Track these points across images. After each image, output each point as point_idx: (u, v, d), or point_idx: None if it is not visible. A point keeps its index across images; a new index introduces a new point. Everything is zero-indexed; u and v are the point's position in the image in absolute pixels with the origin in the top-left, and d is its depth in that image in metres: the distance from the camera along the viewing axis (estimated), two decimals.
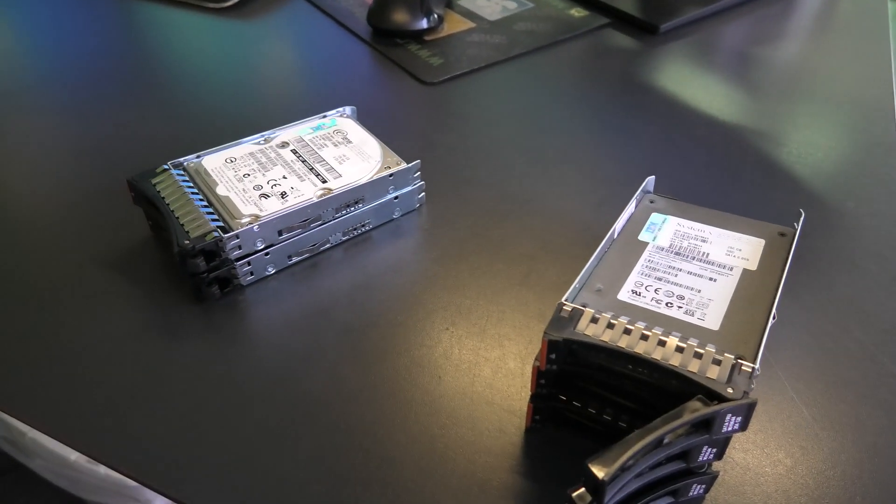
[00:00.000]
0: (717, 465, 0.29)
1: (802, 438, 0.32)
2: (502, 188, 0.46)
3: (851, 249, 0.42)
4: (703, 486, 0.29)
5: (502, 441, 0.32)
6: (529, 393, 0.32)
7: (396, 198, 0.42)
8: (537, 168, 0.48)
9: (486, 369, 0.35)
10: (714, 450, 0.27)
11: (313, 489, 0.29)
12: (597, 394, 0.30)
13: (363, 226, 0.42)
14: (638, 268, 0.33)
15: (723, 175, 0.47)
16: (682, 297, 0.31)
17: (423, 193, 0.44)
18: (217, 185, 0.39)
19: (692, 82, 0.58)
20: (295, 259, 0.40)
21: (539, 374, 0.30)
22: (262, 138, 0.43)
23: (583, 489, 0.25)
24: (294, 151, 0.42)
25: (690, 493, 0.29)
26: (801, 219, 0.35)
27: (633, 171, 0.48)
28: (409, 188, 0.42)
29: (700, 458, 0.27)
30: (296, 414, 0.32)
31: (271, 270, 0.39)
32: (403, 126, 0.52)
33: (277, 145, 0.42)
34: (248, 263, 0.38)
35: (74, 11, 0.68)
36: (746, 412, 0.26)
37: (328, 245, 0.41)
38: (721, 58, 0.61)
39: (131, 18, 0.67)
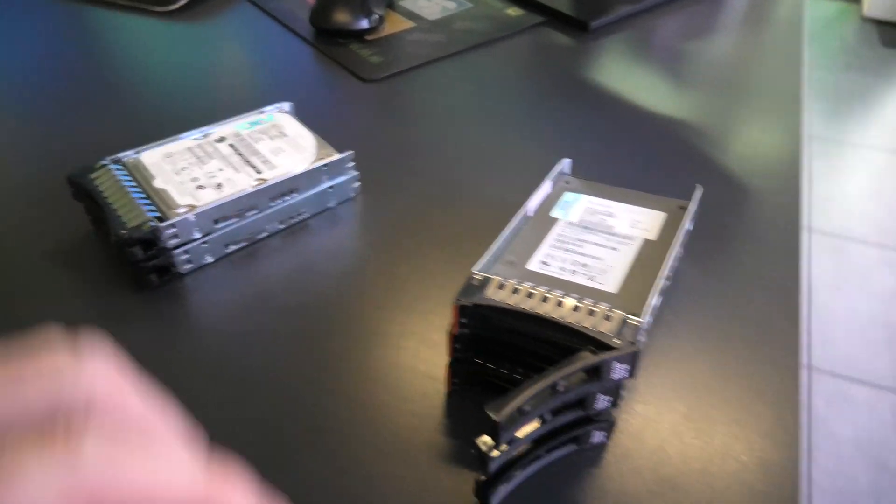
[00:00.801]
0: (619, 417, 0.32)
1: (698, 388, 0.35)
2: (435, 176, 0.49)
3: (754, 222, 0.45)
4: (604, 432, 0.32)
5: (425, 404, 0.34)
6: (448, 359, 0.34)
7: (331, 187, 0.44)
8: (470, 157, 0.51)
9: (411, 341, 0.37)
10: (609, 398, 0.30)
11: (252, 453, 0.31)
12: (508, 355, 0.33)
13: (299, 215, 0.44)
14: (548, 241, 0.36)
15: (641, 158, 0.51)
16: (585, 266, 0.34)
17: (358, 183, 0.46)
18: (154, 178, 0.41)
19: (619, 75, 0.61)
20: (233, 247, 0.42)
21: (454, 339, 0.33)
22: (201, 134, 0.45)
23: (485, 435, 0.27)
24: (231, 145, 0.44)
25: (592, 440, 0.32)
26: (698, 192, 0.38)
27: (560, 157, 0.51)
28: (344, 178, 0.45)
29: (597, 406, 0.30)
30: (236, 390, 0.34)
31: (210, 259, 0.41)
32: (343, 121, 0.54)
33: (215, 140, 0.44)
34: (186, 252, 0.39)
35: (23, 17, 0.69)
36: (632, 360, 0.29)
37: (265, 234, 0.43)
38: (647, 52, 0.65)
39: (79, 23, 0.69)
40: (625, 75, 0.61)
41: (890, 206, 1.93)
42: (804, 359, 1.55)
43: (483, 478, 0.29)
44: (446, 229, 0.44)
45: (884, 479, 1.34)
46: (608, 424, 0.32)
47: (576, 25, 0.67)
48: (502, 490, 0.30)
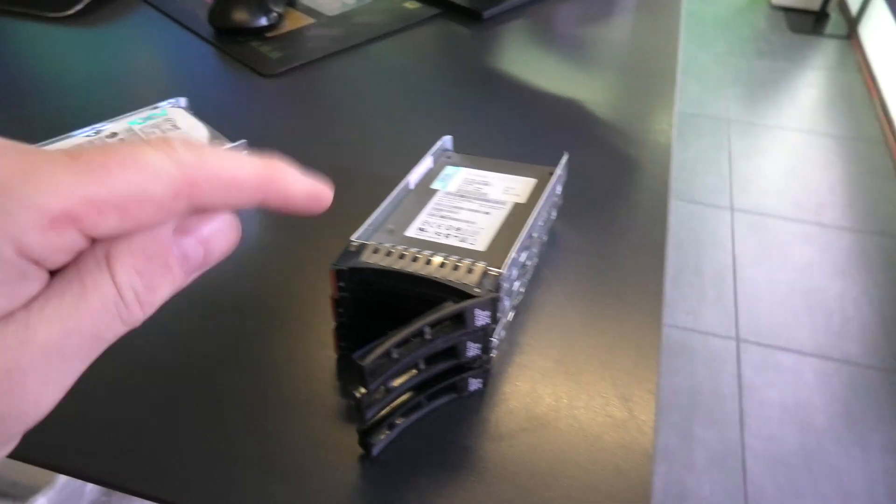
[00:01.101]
0: (496, 366, 0.35)
1: (570, 337, 0.38)
2: (331, 162, 0.51)
3: (628, 187, 0.49)
4: (480, 380, 0.35)
5: (316, 368, 0.36)
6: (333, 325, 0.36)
7: None
8: (364, 142, 0.53)
9: (302, 313, 0.39)
10: (478, 345, 0.33)
11: (147, 428, 0.33)
12: (388, 316, 0.35)
13: None
14: (427, 210, 0.39)
15: (524, 134, 0.54)
16: (459, 229, 0.37)
17: None
18: None
19: (508, 61, 0.64)
20: None
21: (336, 304, 0.35)
22: (93, 131, 0.45)
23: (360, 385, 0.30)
24: (122, 140, 0.45)
25: (470, 388, 0.35)
26: (564, 158, 0.42)
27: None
28: None
29: (468, 354, 0.33)
30: (130, 373, 0.36)
31: None
32: (241, 115, 0.56)
33: (107, 136, 0.45)
34: None
35: None
36: (492, 306, 0.31)
37: None
38: (537, 39, 0.69)
39: None
40: (514, 60, 0.64)
41: (804, 182, 2.05)
42: (733, 331, 1.63)
43: (362, 427, 0.31)
44: (342, 210, 0.46)
45: (811, 438, 1.42)
46: (483, 371, 0.34)
47: (469, 16, 0.70)
48: (385, 438, 0.32)
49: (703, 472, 1.36)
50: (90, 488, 1.01)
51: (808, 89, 2.46)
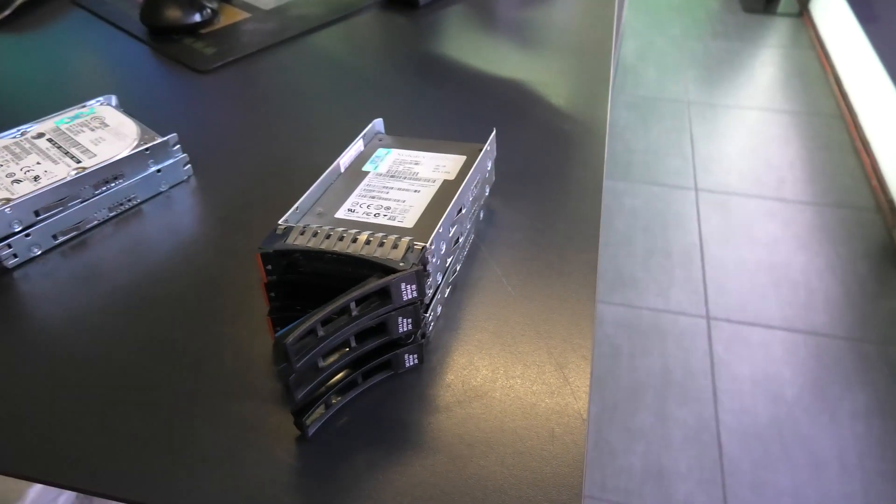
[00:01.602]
0: (433, 341, 0.35)
1: (505, 309, 0.38)
2: (267, 153, 0.50)
3: (566, 161, 0.49)
4: (415, 355, 0.35)
5: (252, 355, 0.36)
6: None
7: (159, 171, 0.45)
8: (300, 132, 0.53)
9: (240, 301, 0.39)
10: (408, 320, 0.33)
11: (85, 420, 0.32)
12: (322, 297, 0.35)
13: (129, 200, 0.45)
14: (357, 191, 0.39)
15: (458, 114, 0.54)
16: (388, 208, 0.37)
17: (189, 165, 0.47)
18: None
19: (444, 46, 0.64)
20: (62, 238, 0.42)
21: (267, 288, 0.35)
22: (18, 132, 0.45)
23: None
24: (50, 140, 0.44)
25: (406, 364, 0.35)
26: (492, 133, 0.42)
27: (386, 122, 0.54)
28: (171, 161, 0.46)
29: (400, 329, 0.33)
30: (66, 370, 0.35)
31: (37, 251, 0.41)
32: (176, 112, 0.55)
33: (33, 136, 0.44)
34: (9, 246, 0.40)
35: None
36: (417, 280, 0.32)
37: (96, 222, 0.43)
38: (473, 24, 0.69)
39: None
40: (451, 46, 0.64)
41: (764, 159, 2.08)
42: (703, 310, 1.65)
43: (294, 407, 0.31)
44: (278, 199, 0.46)
45: (782, 410, 1.45)
46: (417, 347, 0.34)
47: (406, 4, 0.70)
48: (320, 418, 0.32)
49: (680, 449, 1.38)
50: (63, 499, 0.99)
51: (764, 68, 2.50)
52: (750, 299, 1.68)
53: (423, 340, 0.35)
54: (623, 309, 1.66)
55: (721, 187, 2.00)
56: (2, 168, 0.41)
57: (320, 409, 0.32)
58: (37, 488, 0.93)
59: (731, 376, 1.52)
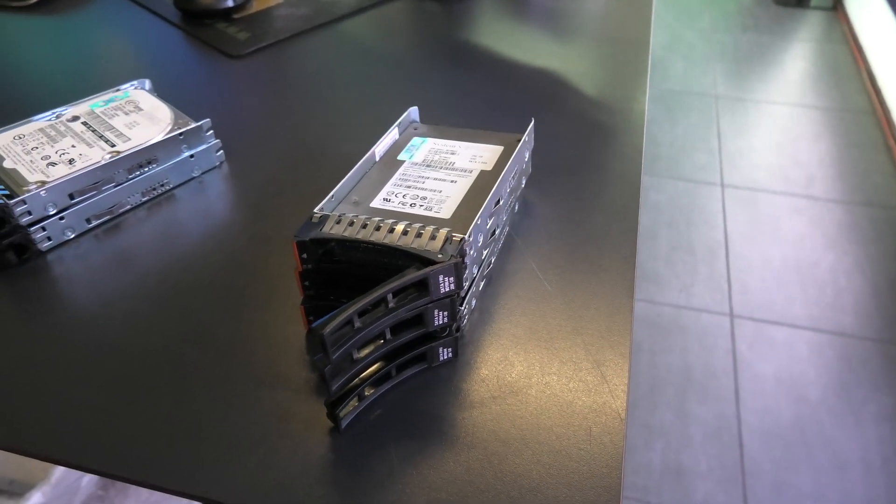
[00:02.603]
0: (467, 335, 0.34)
1: (541, 304, 0.37)
2: (300, 139, 0.50)
3: (603, 153, 0.48)
4: (450, 349, 0.34)
5: (286, 345, 0.35)
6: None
7: (192, 156, 0.45)
8: (332, 118, 0.52)
9: (272, 290, 0.38)
10: (445, 312, 0.32)
11: (116, 405, 0.32)
12: (357, 287, 0.34)
13: (162, 185, 0.44)
14: (392, 180, 0.38)
15: (494, 104, 0.53)
16: (424, 198, 0.36)
17: (222, 151, 0.47)
18: (4, 159, 0.40)
19: (480, 34, 0.63)
20: (95, 222, 0.42)
21: (301, 277, 0.34)
22: (53, 115, 0.45)
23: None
24: (84, 123, 0.44)
25: (441, 358, 0.34)
26: (531, 124, 0.41)
27: (419, 111, 0.53)
28: (204, 146, 0.45)
29: (436, 322, 0.32)
30: (98, 354, 0.35)
31: (70, 234, 0.41)
32: (208, 96, 0.55)
33: (68, 119, 0.44)
34: (44, 229, 0.40)
35: None
36: (456, 272, 0.31)
37: (129, 206, 0.43)
38: (509, 11, 0.68)
39: None
40: (485, 33, 0.63)
41: (793, 155, 2.04)
42: (726, 307, 1.63)
43: (329, 398, 0.30)
44: (310, 186, 0.46)
45: (805, 410, 1.42)
46: (452, 340, 0.34)
47: None
48: (353, 410, 0.32)
49: (700, 448, 1.37)
50: (86, 482, 1.01)
51: (795, 62, 2.45)
52: (775, 298, 1.66)
53: (457, 334, 0.34)
54: (645, 305, 1.64)
55: (748, 183, 1.96)
56: (37, 150, 0.41)
57: (353, 401, 0.32)
58: (61, 469, 0.95)
59: (753, 375, 1.50)
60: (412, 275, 0.30)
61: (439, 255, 0.31)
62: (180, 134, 0.44)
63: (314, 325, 0.28)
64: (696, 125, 2.17)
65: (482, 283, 0.38)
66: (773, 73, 2.40)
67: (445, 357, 0.34)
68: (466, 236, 0.32)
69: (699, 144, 2.10)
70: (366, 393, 0.32)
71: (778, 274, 1.71)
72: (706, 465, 1.34)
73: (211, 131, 0.46)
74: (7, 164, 0.40)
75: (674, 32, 2.68)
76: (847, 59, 2.45)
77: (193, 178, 0.46)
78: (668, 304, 1.64)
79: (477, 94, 0.55)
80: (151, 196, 0.44)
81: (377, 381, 0.33)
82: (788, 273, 1.71)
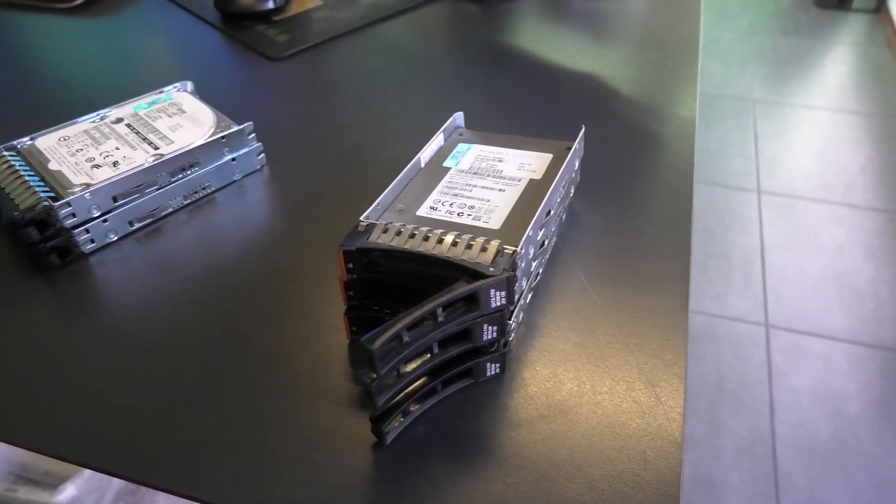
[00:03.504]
0: (514, 350, 0.33)
1: (591, 318, 0.36)
2: (340, 144, 0.49)
3: (651, 162, 0.46)
4: (497, 364, 0.33)
5: (328, 354, 0.35)
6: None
7: (234, 160, 0.45)
8: (373, 123, 0.51)
9: (314, 298, 0.38)
10: (494, 327, 0.31)
11: (158, 412, 0.32)
12: (402, 298, 0.34)
13: (203, 189, 0.44)
14: (438, 188, 0.37)
15: (539, 110, 0.52)
16: (472, 207, 0.35)
17: (263, 154, 0.47)
18: (49, 161, 0.40)
19: (521, 37, 0.62)
20: (137, 225, 0.42)
21: (346, 287, 0.33)
22: (98, 116, 0.44)
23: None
24: (128, 125, 0.44)
25: (488, 373, 0.33)
26: (581, 131, 0.40)
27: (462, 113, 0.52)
28: (246, 149, 0.45)
29: (484, 337, 0.31)
30: (140, 358, 0.35)
31: (113, 237, 0.41)
32: (249, 99, 0.54)
33: (112, 121, 0.44)
34: (87, 231, 0.39)
35: None
36: (507, 286, 0.30)
37: (171, 209, 0.43)
38: (549, 14, 0.66)
39: None
40: (525, 36, 0.62)
41: (833, 162, 1.99)
42: (761, 317, 1.59)
43: (374, 413, 0.29)
44: (350, 191, 0.45)
45: (843, 426, 1.38)
46: (500, 356, 0.33)
47: None
48: (398, 426, 0.31)
49: (732, 460, 1.33)
50: (117, 481, 1.02)
51: (836, 66, 2.38)
52: (812, 308, 1.61)
53: (505, 349, 0.33)
54: None
55: (786, 190, 1.92)
56: (81, 152, 0.41)
57: (399, 417, 0.31)
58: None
59: (789, 388, 1.46)
60: (463, 288, 0.29)
61: (491, 269, 0.30)
62: (223, 137, 0.43)
63: (363, 339, 0.27)
64: (733, 129, 2.13)
65: (529, 296, 0.36)
66: (812, 76, 2.34)
67: (493, 372, 0.33)
68: (518, 249, 0.31)
69: (735, 149, 2.05)
70: (411, 408, 0.31)
71: (815, 284, 1.66)
72: (738, 478, 1.30)
73: (253, 134, 0.45)
74: (52, 165, 0.40)
75: (711, 35, 2.63)
76: (890, 62, 2.38)
77: (234, 181, 0.45)
78: (701, 313, 1.60)
79: (519, 99, 0.54)
80: (193, 199, 0.44)
81: (422, 396, 0.32)
82: (826, 283, 1.66)
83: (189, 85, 0.49)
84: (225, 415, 0.32)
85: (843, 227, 1.80)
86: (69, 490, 0.89)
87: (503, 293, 0.30)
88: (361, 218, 0.33)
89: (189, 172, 0.42)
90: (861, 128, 2.11)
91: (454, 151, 0.40)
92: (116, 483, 1.01)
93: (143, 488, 1.06)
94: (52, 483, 0.90)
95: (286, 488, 0.29)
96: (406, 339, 0.28)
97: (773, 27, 2.64)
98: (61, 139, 0.42)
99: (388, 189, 0.36)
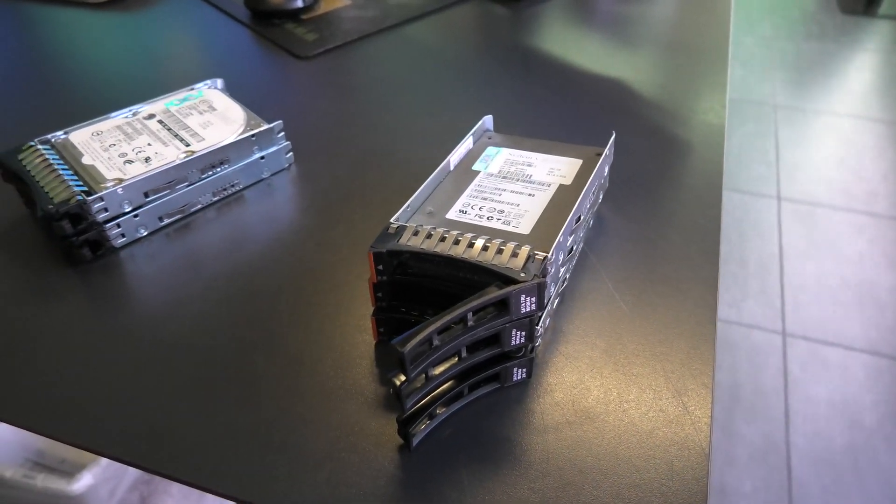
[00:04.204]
0: (541, 356, 0.33)
1: (618, 325, 0.36)
2: (368, 144, 0.49)
3: (679, 168, 0.46)
4: (524, 369, 0.33)
5: (354, 355, 0.35)
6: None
7: (263, 158, 0.45)
8: (402, 123, 0.51)
9: (341, 298, 0.38)
10: (523, 332, 0.31)
11: (184, 408, 0.32)
12: (429, 301, 0.34)
13: (233, 186, 0.44)
14: (468, 192, 0.37)
15: (568, 114, 0.52)
16: (502, 212, 0.35)
17: (291, 153, 0.47)
18: (83, 155, 0.41)
19: (549, 40, 0.62)
20: (167, 220, 0.42)
21: (375, 288, 0.33)
22: (130, 112, 0.45)
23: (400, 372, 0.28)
24: (160, 121, 0.44)
25: (514, 378, 0.33)
26: (612, 137, 0.39)
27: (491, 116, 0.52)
28: (275, 148, 0.45)
29: (513, 342, 0.31)
30: (168, 353, 0.35)
31: (143, 232, 0.41)
32: (278, 97, 0.55)
33: (144, 117, 0.44)
34: (118, 226, 0.40)
35: None
36: (538, 292, 0.30)
37: (199, 206, 0.43)
38: (578, 17, 0.66)
39: (12, 19, 0.68)
40: (554, 39, 0.62)
41: (855, 170, 1.96)
42: (778, 325, 1.58)
43: (402, 416, 0.30)
44: (378, 192, 0.45)
45: (859, 437, 1.37)
46: (527, 361, 0.33)
47: None
48: (425, 428, 0.31)
49: (745, 468, 1.32)
50: (133, 469, 1.03)
51: (860, 73, 2.35)
52: (831, 317, 1.59)
53: (532, 354, 0.33)
54: None
55: (806, 197, 1.90)
56: (114, 147, 0.42)
57: (425, 420, 0.31)
58: None
59: (805, 397, 1.45)
60: (494, 293, 0.29)
61: (522, 274, 0.30)
62: (253, 135, 0.43)
63: (394, 341, 0.27)
64: (753, 135, 2.11)
65: (556, 301, 0.36)
66: (836, 83, 2.32)
67: (519, 378, 0.33)
68: (549, 255, 0.31)
69: (756, 155, 2.03)
70: (437, 412, 0.31)
71: (834, 293, 1.64)
72: (751, 486, 1.29)
73: (282, 133, 0.45)
74: (86, 160, 0.41)
75: (733, 38, 2.60)
76: None
77: (263, 179, 0.46)
78: (717, 319, 1.59)
79: (547, 102, 0.53)
80: (221, 196, 0.44)
81: (449, 399, 0.32)
82: (846, 292, 1.64)
83: (220, 82, 0.49)
84: (253, 412, 0.32)
85: (864, 235, 1.77)
86: (86, 478, 0.90)
87: (533, 299, 0.30)
88: (392, 220, 0.33)
89: (219, 169, 0.43)
90: (884, 136, 2.08)
91: (483, 155, 0.40)
92: (131, 473, 1.02)
93: (158, 478, 1.07)
94: (69, 471, 0.92)
95: (314, 488, 0.29)
96: (436, 342, 0.28)
97: (797, 32, 2.61)
98: (94, 134, 0.43)
99: (418, 191, 0.36)
